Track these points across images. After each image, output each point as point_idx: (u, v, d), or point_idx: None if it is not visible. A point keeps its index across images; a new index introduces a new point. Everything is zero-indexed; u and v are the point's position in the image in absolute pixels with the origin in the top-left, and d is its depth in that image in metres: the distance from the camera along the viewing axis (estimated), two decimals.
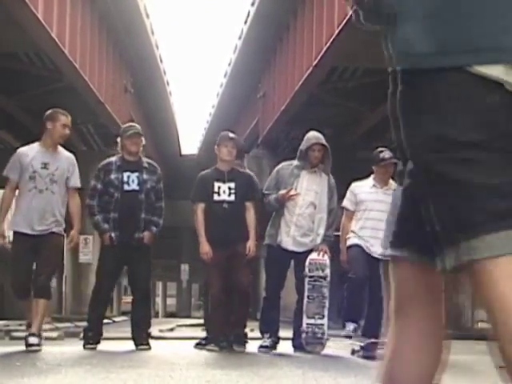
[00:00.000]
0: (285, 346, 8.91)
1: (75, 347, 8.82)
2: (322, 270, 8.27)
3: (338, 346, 8.25)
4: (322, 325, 8.24)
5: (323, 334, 8.25)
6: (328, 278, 8.32)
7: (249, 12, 22.78)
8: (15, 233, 7.84)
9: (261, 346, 8.30)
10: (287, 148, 28.13)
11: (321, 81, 20.18)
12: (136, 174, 8.40)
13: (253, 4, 22.01)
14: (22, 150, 7.96)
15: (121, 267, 8.72)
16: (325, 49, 17.32)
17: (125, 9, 21.89)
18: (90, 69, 20.88)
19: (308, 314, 8.20)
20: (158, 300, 71.10)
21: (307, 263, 8.21)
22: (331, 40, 16.71)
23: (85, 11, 20.17)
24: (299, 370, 6.15)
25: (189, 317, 40.90)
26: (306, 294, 8.21)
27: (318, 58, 17.90)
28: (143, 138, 8.70)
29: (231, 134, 8.39)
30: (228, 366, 6.39)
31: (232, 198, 8.17)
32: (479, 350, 10.81)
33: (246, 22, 23.51)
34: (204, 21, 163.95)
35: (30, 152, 7.81)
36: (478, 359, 8.18)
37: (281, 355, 7.79)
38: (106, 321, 25.21)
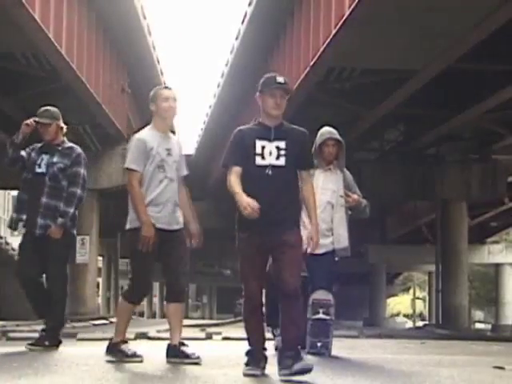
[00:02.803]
0: None
1: (72, 348, 8.80)
2: (327, 310, 8.05)
3: (335, 346, 8.22)
4: (327, 342, 7.94)
5: (329, 351, 7.99)
6: (333, 318, 8.07)
7: (246, 12, 22.77)
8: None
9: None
10: None
11: (318, 81, 20.19)
12: (47, 156, 8.06)
13: (250, 4, 22.00)
14: (142, 135, 6.73)
15: (35, 257, 7.99)
16: (322, 49, 17.31)
17: (122, 10, 21.87)
18: (87, 69, 20.86)
19: (311, 334, 7.91)
20: (156, 300, 71.13)
21: (310, 302, 7.85)
22: (328, 40, 16.70)
23: (82, 12, 20.16)
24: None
25: (186, 317, 40.92)
26: (309, 316, 7.88)
27: (315, 58, 17.89)
28: (59, 123, 8.24)
29: (280, 78, 6.16)
30: (226, 366, 6.39)
31: (281, 161, 5.99)
32: (476, 350, 10.83)
33: (242, 22, 23.50)
34: (201, 21, 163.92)
35: (152, 138, 6.68)
36: (475, 359, 8.19)
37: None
38: (103, 321, 25.32)
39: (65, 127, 8.30)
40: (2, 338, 11.92)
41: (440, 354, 8.70)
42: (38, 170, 8.00)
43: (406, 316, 69.35)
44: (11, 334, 12.12)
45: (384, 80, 20.62)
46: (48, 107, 8.35)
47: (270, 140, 6.02)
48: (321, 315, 7.87)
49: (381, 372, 6.43)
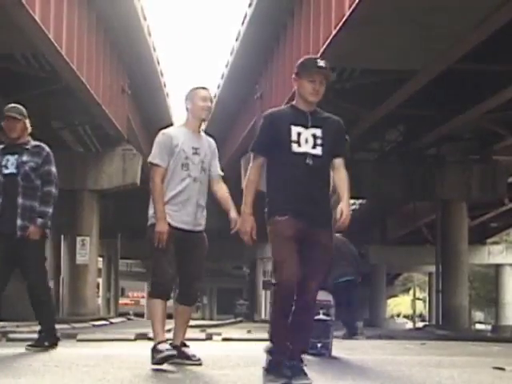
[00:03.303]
0: None
1: (72, 348, 8.80)
2: (327, 311, 8.04)
3: (335, 347, 8.22)
4: (328, 343, 7.95)
5: (329, 352, 7.98)
6: (333, 319, 8.08)
7: (246, 13, 22.79)
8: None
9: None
10: None
11: None
12: (15, 156, 7.82)
13: (250, 5, 22.02)
14: (169, 131, 6.59)
15: (9, 261, 7.79)
16: (322, 50, 17.31)
17: (122, 11, 21.89)
18: (87, 70, 20.87)
19: (312, 335, 7.95)
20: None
21: None
22: (328, 41, 16.71)
23: (82, 12, 20.17)
24: None
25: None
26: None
27: None
28: (27, 121, 7.98)
29: (321, 61, 5.64)
30: (226, 366, 6.39)
31: (318, 151, 5.50)
32: (476, 351, 10.82)
33: (243, 24, 23.52)
34: (201, 22, 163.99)
35: (179, 134, 6.52)
36: (475, 360, 8.19)
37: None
38: (103, 322, 25.30)
39: (29, 127, 8.08)
40: (2, 338, 11.90)
41: (440, 354, 8.69)
42: (7, 171, 7.79)
43: (406, 317, 69.38)
44: (11, 335, 12.11)
45: (384, 80, 20.62)
46: (16, 104, 8.17)
47: (306, 127, 5.50)
48: (321, 316, 7.87)
49: (381, 373, 6.43)
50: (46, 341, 7.88)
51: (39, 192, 7.83)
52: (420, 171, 28.17)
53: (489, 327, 44.26)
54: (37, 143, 7.99)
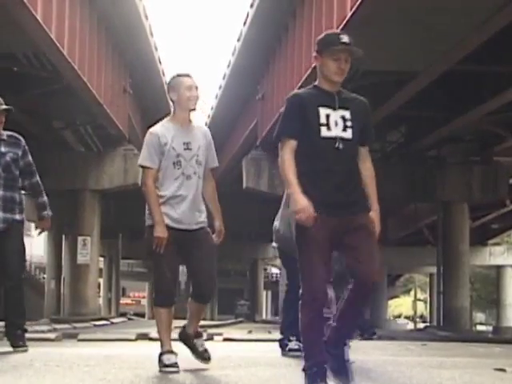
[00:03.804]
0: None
1: (73, 348, 8.80)
2: (329, 305, 8.01)
3: None
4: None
5: None
6: (334, 312, 8.06)
7: (248, 14, 22.80)
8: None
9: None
10: None
11: None
12: None
13: (252, 6, 22.02)
14: (156, 129, 6.18)
15: None
16: None
17: (124, 10, 21.90)
18: (88, 70, 20.88)
19: None
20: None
21: None
22: None
23: (84, 12, 20.17)
24: (298, 372, 6.14)
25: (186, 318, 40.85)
26: None
27: None
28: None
29: (345, 37, 5.25)
30: (227, 367, 6.39)
31: (348, 133, 5.05)
32: (478, 352, 10.82)
33: (244, 24, 23.53)
34: (203, 22, 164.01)
35: (167, 131, 6.13)
36: (476, 361, 8.19)
37: (280, 356, 7.77)
38: (104, 322, 25.30)
39: None
40: (2, 338, 11.91)
41: (441, 355, 8.69)
42: None
43: (407, 318, 69.37)
44: None
45: (385, 82, 20.63)
46: None
47: (334, 108, 5.04)
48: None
49: (382, 374, 6.42)
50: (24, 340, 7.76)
51: (18, 183, 7.67)
52: (421, 172, 28.18)
53: (490, 328, 44.25)
54: (10, 133, 7.79)
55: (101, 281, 46.87)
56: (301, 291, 4.96)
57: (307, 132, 4.98)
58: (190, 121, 6.24)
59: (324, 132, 4.97)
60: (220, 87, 31.06)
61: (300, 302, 4.97)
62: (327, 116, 5.00)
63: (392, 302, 70.82)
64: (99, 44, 22.44)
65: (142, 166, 6.13)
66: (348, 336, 5.37)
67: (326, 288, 4.97)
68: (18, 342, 7.69)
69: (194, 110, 6.22)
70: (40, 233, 8.62)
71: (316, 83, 5.18)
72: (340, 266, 7.35)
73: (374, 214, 5.12)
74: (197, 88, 6.20)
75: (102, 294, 50.41)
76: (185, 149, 6.08)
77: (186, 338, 6.26)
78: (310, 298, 4.91)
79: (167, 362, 5.96)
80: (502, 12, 14.63)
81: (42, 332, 14.04)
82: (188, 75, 6.25)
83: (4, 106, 7.77)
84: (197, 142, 6.15)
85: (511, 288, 46.10)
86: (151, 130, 6.20)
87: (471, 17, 15.04)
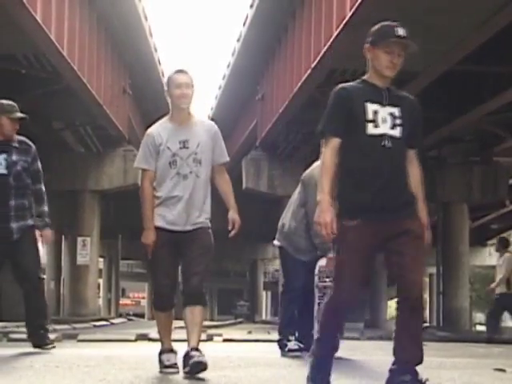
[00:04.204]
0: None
1: (73, 349, 8.81)
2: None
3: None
4: None
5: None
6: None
7: (247, 14, 22.80)
8: (157, 228, 5.94)
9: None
10: (286, 150, 28.19)
11: (319, 83, 20.19)
12: (4, 155, 7.51)
13: (251, 6, 22.02)
14: (151, 130, 6.05)
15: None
16: (323, 50, 17.32)
17: (123, 11, 21.91)
18: (88, 71, 20.88)
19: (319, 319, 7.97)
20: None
21: (316, 271, 7.78)
22: (330, 42, 16.72)
23: (83, 13, 20.17)
24: (298, 372, 6.14)
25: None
26: (316, 300, 7.80)
27: (317, 59, 17.91)
28: None
29: (400, 30, 4.92)
30: (227, 367, 6.39)
31: (397, 132, 4.78)
32: (477, 352, 10.83)
33: (244, 25, 23.53)
34: (202, 23, 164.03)
35: (162, 131, 5.99)
36: (476, 362, 8.19)
37: (279, 357, 7.77)
38: (103, 323, 25.32)
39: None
40: (2, 339, 11.92)
41: (441, 356, 8.69)
42: None
43: None
44: (12, 335, 12.12)
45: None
46: (10, 101, 7.92)
47: (382, 104, 4.76)
48: (327, 283, 7.84)
49: (382, 374, 6.42)
50: (48, 338, 7.83)
51: (29, 190, 7.65)
52: (421, 172, 28.17)
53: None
54: (21, 139, 7.74)
55: (100, 281, 46.85)
56: (331, 292, 4.87)
57: (353, 128, 4.73)
58: (189, 118, 6.03)
59: (371, 129, 4.71)
60: (220, 88, 31.06)
61: (327, 301, 4.88)
62: (375, 112, 4.74)
63: (392, 303, 70.79)
64: (99, 45, 22.44)
65: (138, 168, 6.04)
66: (418, 357, 4.74)
67: (357, 293, 4.73)
68: (44, 341, 7.75)
69: (185, 109, 6.00)
70: (44, 244, 8.56)
71: (365, 77, 4.92)
72: None
73: (423, 220, 4.85)
74: (188, 85, 5.96)
75: (101, 294, 50.38)
76: (181, 147, 5.89)
77: (185, 360, 5.84)
78: (337, 301, 4.73)
79: (167, 363, 5.95)
80: (502, 12, 14.63)
81: None
82: (182, 71, 6.05)
83: (19, 114, 7.71)
84: (196, 139, 5.92)
85: None
86: (148, 130, 6.08)
87: (471, 17, 15.04)
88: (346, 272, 4.67)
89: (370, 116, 4.72)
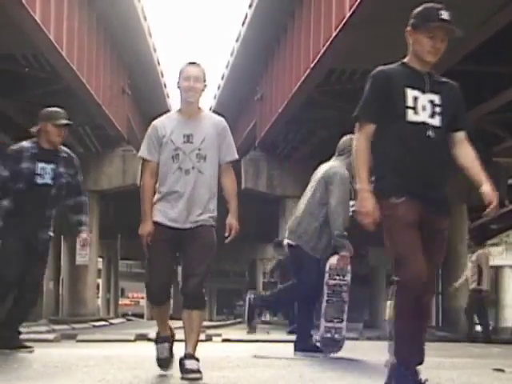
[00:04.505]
0: (283, 348, 8.90)
1: (72, 349, 8.80)
2: (343, 276, 7.97)
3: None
4: (341, 328, 8.01)
5: (342, 338, 8.04)
6: (349, 284, 8.03)
7: (246, 14, 22.78)
8: (156, 224, 5.74)
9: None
10: (285, 150, 28.18)
11: (318, 83, 20.18)
12: (52, 165, 7.49)
13: (250, 6, 22.01)
14: (157, 121, 5.88)
15: (21, 267, 7.48)
16: (322, 51, 17.31)
17: (122, 11, 21.90)
18: (87, 71, 20.87)
19: (326, 317, 7.92)
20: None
21: (327, 269, 7.87)
22: (329, 42, 16.71)
23: (82, 13, 20.16)
24: (297, 373, 6.14)
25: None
26: (325, 297, 7.91)
27: (316, 59, 17.89)
28: None
29: (445, 12, 4.64)
30: (226, 368, 6.38)
31: (436, 121, 4.59)
32: (476, 352, 10.83)
33: (243, 24, 23.51)
34: (201, 23, 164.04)
35: (168, 123, 5.79)
36: (474, 362, 8.19)
37: (279, 357, 7.77)
38: (102, 323, 25.33)
39: None
40: None
41: (440, 356, 8.69)
42: (41, 181, 7.44)
43: None
44: None
45: None
46: (58, 108, 7.90)
47: (423, 91, 4.54)
48: (337, 281, 7.85)
49: (381, 374, 6.42)
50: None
51: (61, 201, 7.64)
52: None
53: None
54: (67, 150, 7.72)
55: (99, 281, 46.84)
56: (396, 278, 4.46)
57: (392, 114, 4.51)
58: (198, 112, 5.82)
59: (411, 116, 4.49)
60: (219, 87, 31.04)
61: (396, 289, 4.49)
62: (415, 99, 4.52)
63: (391, 303, 70.77)
64: (98, 45, 22.43)
65: (141, 158, 5.87)
66: (420, 357, 4.64)
67: (425, 272, 4.38)
68: (22, 343, 7.73)
69: (193, 103, 5.78)
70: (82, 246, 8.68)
71: (405, 60, 4.67)
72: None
73: (487, 186, 4.90)
74: (198, 79, 5.73)
75: (100, 294, 50.37)
76: (184, 141, 5.68)
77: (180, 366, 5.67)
78: (408, 285, 4.37)
79: (160, 356, 5.90)
80: (501, 12, 14.63)
81: (41, 333, 14.04)
82: (193, 64, 5.81)
83: (64, 121, 7.62)
84: (201, 134, 5.70)
85: (510, 288, 46.09)
86: (154, 121, 5.89)
87: (471, 16, 15.02)
88: (407, 248, 4.40)
89: (410, 102, 4.51)
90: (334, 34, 16.29)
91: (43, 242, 7.64)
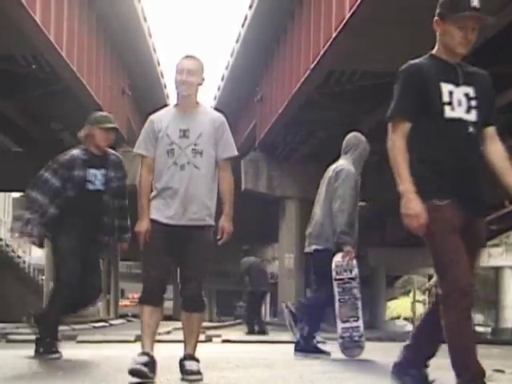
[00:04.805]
0: (283, 349, 8.90)
1: (72, 350, 8.79)
2: (351, 271, 7.85)
3: (335, 348, 8.21)
4: (358, 327, 7.84)
5: (361, 336, 7.87)
6: (357, 279, 7.90)
7: (246, 15, 22.80)
8: (152, 221, 5.58)
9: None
10: (284, 151, 28.18)
11: (318, 84, 20.20)
12: (102, 170, 7.36)
13: (250, 7, 22.02)
14: (154, 115, 5.75)
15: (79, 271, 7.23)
16: (322, 52, 17.32)
17: (122, 12, 21.90)
18: (87, 71, 20.87)
19: (342, 317, 7.78)
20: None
21: (334, 266, 7.77)
22: (329, 43, 16.72)
23: (82, 14, 20.17)
24: (296, 373, 6.14)
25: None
26: (336, 297, 7.77)
27: (316, 60, 17.90)
28: None
29: (476, 0, 4.27)
30: (226, 368, 6.38)
31: (472, 115, 4.35)
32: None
33: (243, 25, 23.53)
34: (201, 24, 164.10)
35: (164, 117, 5.66)
36: None
37: (279, 358, 7.77)
38: (103, 324, 25.34)
39: None
40: (1, 340, 11.91)
41: (440, 356, 8.69)
42: (92, 187, 7.28)
43: (406, 319, 69.36)
44: (11, 337, 12.11)
45: (384, 83, 20.59)
46: (104, 112, 7.72)
47: (457, 84, 4.25)
48: (345, 277, 7.79)
49: (381, 375, 6.42)
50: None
51: (118, 207, 7.54)
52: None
53: (489, 329, 44.24)
54: (114, 153, 7.57)
55: None
56: (443, 292, 4.16)
57: (428, 111, 4.22)
58: (195, 106, 5.66)
59: (448, 112, 4.20)
60: (219, 88, 31.06)
61: (443, 303, 4.16)
62: (450, 93, 4.22)
63: (391, 303, 70.79)
64: (98, 45, 22.43)
65: (137, 154, 5.75)
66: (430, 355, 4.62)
67: (473, 281, 4.14)
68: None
69: (186, 96, 5.61)
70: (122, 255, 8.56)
71: (434, 52, 4.36)
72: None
73: None
74: (192, 72, 5.57)
75: (100, 295, 50.34)
76: (180, 136, 5.52)
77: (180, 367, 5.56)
78: (456, 296, 4.06)
79: (136, 359, 5.36)
80: (501, 12, 14.64)
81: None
82: (189, 57, 5.67)
83: (110, 125, 7.42)
84: (198, 129, 5.55)
85: (510, 289, 46.09)
86: (151, 116, 5.76)
87: None
88: (452, 256, 4.10)
89: (446, 98, 4.21)
90: (333, 35, 16.31)
91: (112, 247, 7.61)
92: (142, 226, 5.54)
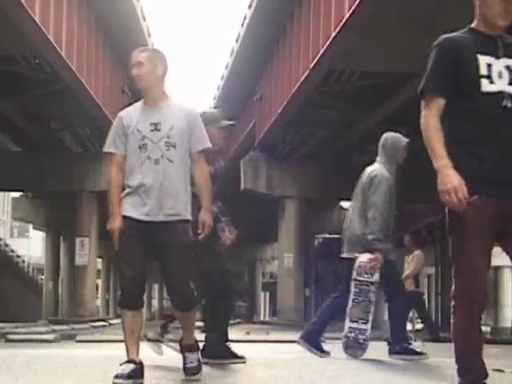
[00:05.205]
0: (283, 349, 8.90)
1: (71, 349, 8.80)
2: (372, 275, 7.78)
3: (335, 349, 8.22)
4: (366, 330, 7.86)
5: (366, 340, 7.89)
6: (376, 284, 7.83)
7: (246, 15, 22.80)
8: (126, 218, 5.36)
9: None
10: (284, 150, 28.20)
11: (317, 83, 20.20)
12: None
13: (250, 7, 22.03)
14: (123, 112, 5.58)
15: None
16: (321, 51, 17.32)
17: (121, 11, 21.91)
18: (86, 71, 20.88)
19: (352, 317, 7.78)
20: (154, 302, 71.12)
21: (356, 266, 7.69)
22: (328, 43, 16.72)
23: (81, 14, 20.18)
24: (296, 373, 6.14)
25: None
26: (351, 296, 7.74)
27: (315, 60, 17.90)
28: None
29: None
30: (225, 368, 6.38)
31: None
32: None
33: (242, 25, 23.53)
34: (201, 24, 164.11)
35: (133, 113, 5.50)
36: None
37: (278, 358, 7.77)
38: (102, 323, 25.33)
39: None
40: (0, 339, 11.92)
41: (439, 356, 8.69)
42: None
43: None
44: (10, 336, 12.12)
45: (384, 82, 20.62)
46: (214, 110, 7.53)
47: (497, 56, 3.97)
48: (365, 279, 7.75)
49: (381, 374, 6.43)
50: None
51: None
52: (419, 173, 28.16)
53: (488, 329, 44.25)
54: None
55: (99, 282, 46.85)
56: (454, 291, 4.01)
57: (463, 86, 3.95)
58: (165, 99, 5.51)
59: (486, 86, 3.92)
60: (218, 88, 31.07)
61: (453, 304, 4.02)
62: (489, 66, 3.95)
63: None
64: (97, 45, 22.44)
65: (106, 153, 5.57)
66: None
67: (487, 286, 4.02)
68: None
69: (141, 89, 5.50)
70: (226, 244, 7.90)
71: (473, 25, 4.17)
72: None
73: None
74: (140, 64, 5.49)
75: (100, 295, 50.37)
76: (152, 130, 5.34)
77: (180, 349, 5.68)
78: (467, 300, 3.95)
79: (119, 371, 5.13)
80: None
81: (40, 333, 14.03)
82: (137, 50, 5.63)
83: (226, 122, 7.12)
84: (169, 122, 5.38)
85: (509, 289, 46.07)
86: (119, 112, 5.60)
87: (470, 17, 15.04)
88: (468, 258, 3.95)
89: (484, 70, 3.94)
90: (333, 35, 16.31)
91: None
92: (115, 223, 5.32)
